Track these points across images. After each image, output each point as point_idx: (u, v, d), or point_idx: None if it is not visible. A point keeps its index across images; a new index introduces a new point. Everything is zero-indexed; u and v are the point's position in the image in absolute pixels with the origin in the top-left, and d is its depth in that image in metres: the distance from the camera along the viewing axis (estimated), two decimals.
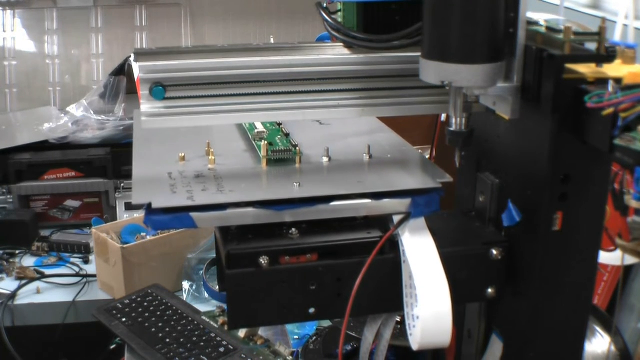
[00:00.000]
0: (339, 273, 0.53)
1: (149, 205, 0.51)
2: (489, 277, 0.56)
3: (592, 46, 0.50)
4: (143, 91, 0.53)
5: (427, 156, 0.96)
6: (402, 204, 0.54)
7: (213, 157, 0.59)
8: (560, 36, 0.50)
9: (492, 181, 0.58)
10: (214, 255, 1.04)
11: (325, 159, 0.60)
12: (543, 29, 0.52)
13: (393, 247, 0.54)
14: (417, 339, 0.51)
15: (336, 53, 0.57)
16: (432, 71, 0.50)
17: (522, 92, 0.51)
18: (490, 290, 0.57)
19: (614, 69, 0.48)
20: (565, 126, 0.50)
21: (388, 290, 0.54)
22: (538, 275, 0.54)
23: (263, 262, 0.52)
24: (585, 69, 0.48)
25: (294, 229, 0.54)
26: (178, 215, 0.51)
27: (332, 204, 0.53)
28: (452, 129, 0.53)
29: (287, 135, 0.65)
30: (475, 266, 0.56)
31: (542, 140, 0.51)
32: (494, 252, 0.56)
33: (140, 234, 1.18)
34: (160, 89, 0.53)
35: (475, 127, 0.56)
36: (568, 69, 0.48)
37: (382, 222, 0.55)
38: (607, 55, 0.48)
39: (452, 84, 0.50)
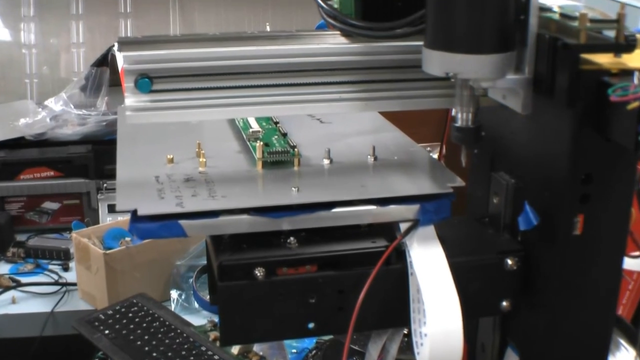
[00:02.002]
0: (341, 285, 0.53)
1: (135, 212, 0.51)
2: (504, 288, 0.56)
3: (610, 34, 0.50)
4: (128, 83, 0.53)
5: (436, 155, 0.96)
6: (410, 210, 0.54)
7: (204, 159, 0.59)
8: (576, 23, 0.49)
9: (507, 181, 0.58)
10: (205, 262, 1.05)
11: (326, 161, 0.60)
12: (557, 16, 0.52)
13: (400, 257, 0.54)
14: (424, 358, 0.51)
15: (337, 42, 0.57)
16: (436, 62, 0.50)
17: (534, 84, 0.50)
18: (504, 303, 0.57)
19: (635, 59, 0.47)
20: (587, 122, 0.50)
21: (394, 304, 0.54)
22: (556, 285, 0.54)
23: (258, 274, 0.52)
24: (603, 59, 0.48)
25: (292, 238, 0.53)
26: (166, 223, 0.51)
27: (334, 210, 0.53)
28: (457, 124, 0.53)
29: (284, 135, 0.65)
30: (489, 277, 0.56)
31: (561, 137, 0.51)
32: (509, 261, 0.56)
33: (125, 238, 1.18)
34: (146, 81, 0.53)
35: (488, 122, 0.56)
36: (585, 59, 0.48)
37: (388, 230, 0.55)
38: (626, 44, 0.48)
39: (457, 76, 0.50)
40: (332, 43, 0.57)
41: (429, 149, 1.02)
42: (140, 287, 1.11)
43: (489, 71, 0.49)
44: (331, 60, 0.56)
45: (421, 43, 0.52)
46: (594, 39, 0.49)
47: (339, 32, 0.58)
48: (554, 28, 0.51)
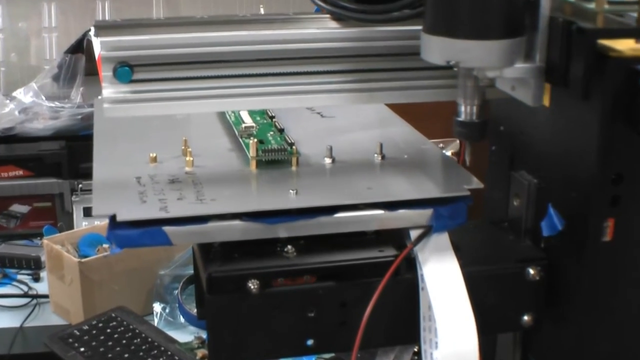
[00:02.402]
0: (343, 297, 0.53)
1: (113, 217, 0.51)
2: (525, 301, 0.57)
3: (632, 17, 0.50)
4: (105, 72, 0.53)
5: (450, 152, 0.96)
6: (421, 215, 0.54)
7: (191, 158, 0.59)
8: (592, 5, 0.49)
9: (529, 181, 0.58)
10: (192, 272, 1.05)
11: (327, 160, 0.60)
12: None
13: (410, 266, 0.54)
14: None
15: (339, 27, 0.57)
16: (436, 49, 0.50)
17: (547, 73, 0.50)
18: (526, 318, 0.57)
19: None
20: (618, 115, 0.49)
21: (403, 318, 0.54)
22: (584, 297, 0.54)
23: (252, 286, 0.52)
24: (623, 45, 0.47)
25: (289, 247, 0.54)
26: (148, 230, 0.51)
27: (336, 215, 0.53)
28: (460, 119, 0.53)
29: (281, 130, 0.64)
30: (508, 289, 0.56)
31: (589, 132, 0.51)
32: (531, 271, 0.56)
33: (102, 245, 1.17)
34: (126, 69, 0.53)
35: (507, 115, 0.56)
36: (603, 46, 0.48)
37: (397, 238, 0.55)
38: None
39: (460, 65, 0.50)
40: (334, 28, 0.57)
41: (441, 145, 1.02)
42: (120, 300, 1.11)
43: (496, 59, 0.49)
44: (333, 47, 0.56)
45: (420, 27, 0.52)
46: (613, 23, 0.49)
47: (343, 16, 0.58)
48: (568, 11, 0.51)
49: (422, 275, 0.53)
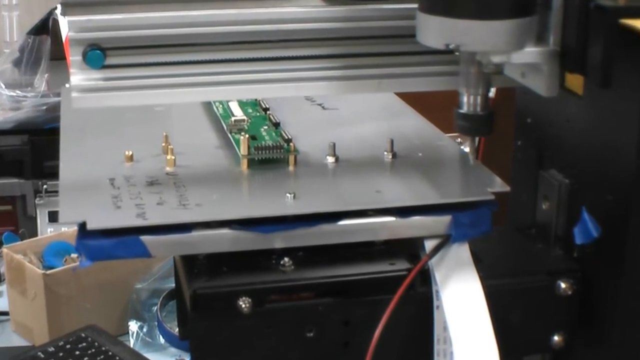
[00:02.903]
0: (347, 314, 0.53)
1: (83, 225, 0.51)
2: (555, 319, 0.57)
3: None
4: (74, 56, 0.53)
5: (469, 148, 0.95)
6: (439, 223, 0.54)
7: (172, 157, 0.59)
8: None
9: (560, 182, 0.58)
10: (173, 285, 1.01)
11: (330, 159, 0.60)
12: None
13: (423, 281, 0.54)
14: None
15: (324, 4, 0.57)
16: (434, 30, 0.50)
17: (562, 58, 0.50)
18: (556, 338, 0.57)
19: None
20: None
21: (414, 340, 0.54)
22: (622, 315, 0.55)
23: (243, 305, 0.52)
24: None
25: (286, 259, 0.53)
26: (124, 240, 0.50)
27: (340, 223, 0.53)
28: (462, 111, 0.53)
29: (276, 124, 0.64)
30: (536, 305, 0.57)
31: (628, 126, 0.51)
32: (562, 284, 0.56)
33: (70, 255, 1.17)
34: (97, 53, 0.53)
35: (534, 106, 0.55)
36: (628, 25, 0.47)
37: (410, 248, 0.55)
38: None
39: (461, 49, 0.50)
40: (320, 6, 0.57)
41: (459, 140, 1.01)
42: (90, 317, 1.10)
43: (502, 42, 0.49)
44: (335, 28, 0.56)
45: (416, 6, 0.52)
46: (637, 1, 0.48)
47: None
48: None
49: (437, 291, 0.53)
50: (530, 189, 0.62)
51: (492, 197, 0.54)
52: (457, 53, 0.51)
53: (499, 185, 0.56)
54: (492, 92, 0.77)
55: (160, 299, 1.13)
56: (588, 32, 0.48)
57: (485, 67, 0.52)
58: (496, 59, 0.50)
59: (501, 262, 0.58)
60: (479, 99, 0.53)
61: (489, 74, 0.53)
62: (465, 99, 0.53)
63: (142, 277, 1.15)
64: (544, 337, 0.57)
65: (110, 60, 0.54)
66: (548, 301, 0.56)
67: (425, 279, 0.54)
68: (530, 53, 0.50)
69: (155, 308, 1.13)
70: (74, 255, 1.17)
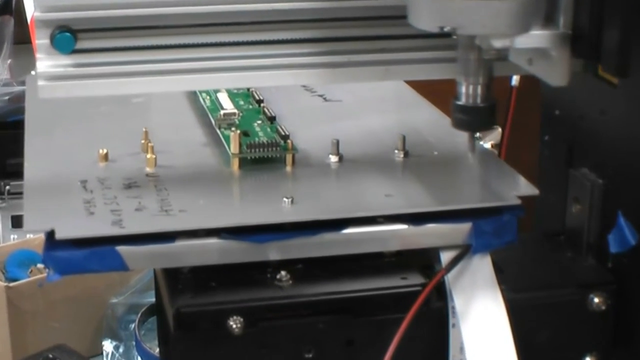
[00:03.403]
0: (350, 333, 0.53)
1: (51, 233, 0.50)
2: (588, 338, 0.57)
3: None
4: (41, 40, 0.53)
5: (490, 144, 0.95)
6: (457, 231, 0.54)
7: (153, 155, 0.59)
8: None
9: (593, 182, 0.59)
10: (153, 299, 1.02)
11: (333, 158, 0.60)
12: None
13: (439, 296, 0.54)
14: None
15: None
16: (426, 10, 0.50)
17: (573, 43, 0.50)
18: (588, 359, 0.57)
19: None
20: None
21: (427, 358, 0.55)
22: None
23: (234, 325, 0.51)
24: None
25: (283, 273, 0.53)
26: (97, 251, 0.50)
27: (345, 232, 0.53)
28: (460, 102, 0.53)
29: (272, 119, 0.64)
30: (566, 322, 0.57)
31: None
32: (596, 299, 0.56)
33: (37, 265, 1.17)
34: (67, 36, 0.53)
35: (563, 95, 0.56)
36: None
37: (424, 260, 0.55)
38: None
39: (457, 32, 0.49)
40: None
41: (478, 135, 1.01)
42: (59, 336, 1.10)
43: (505, 24, 0.48)
44: (336, 7, 0.56)
45: None
46: None
47: None
48: None
49: (453, 307, 0.53)
50: (559, 190, 0.62)
51: (519, 201, 0.54)
52: (454, 37, 0.51)
53: (527, 187, 0.56)
54: (516, 80, 0.77)
55: (139, 315, 1.13)
56: (603, 12, 0.48)
57: (485, 52, 0.52)
58: (498, 44, 0.50)
59: (525, 273, 0.58)
60: (479, 89, 0.52)
61: (491, 60, 0.53)
62: (463, 89, 0.53)
63: (118, 290, 1.16)
64: (575, 358, 0.57)
65: (81, 44, 0.53)
66: (579, 318, 0.56)
67: (440, 294, 0.54)
68: (537, 36, 0.49)
69: (133, 325, 1.13)
70: (40, 266, 1.17)
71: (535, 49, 0.51)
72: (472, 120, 0.53)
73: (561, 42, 0.50)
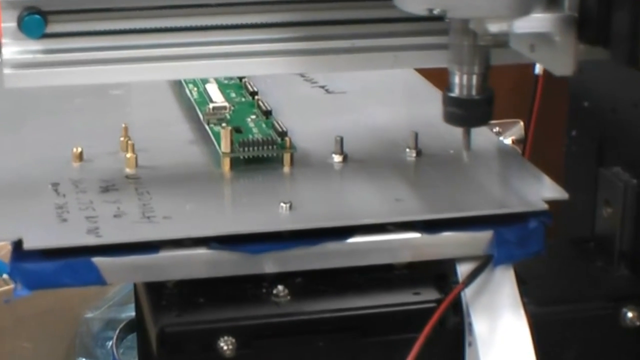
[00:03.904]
0: (356, 355, 0.54)
1: (18, 243, 0.50)
2: (620, 357, 0.57)
3: None
4: (7, 23, 0.53)
5: (511, 140, 0.95)
6: (477, 240, 0.54)
7: (133, 154, 0.59)
8: None
9: (626, 182, 0.59)
10: (132, 313, 1.03)
11: (336, 158, 0.60)
12: None
13: (454, 312, 0.54)
14: None
15: None
16: None
17: (580, 27, 0.49)
18: None
19: None
20: None
21: None
22: None
23: (225, 346, 0.51)
24: None
25: (280, 287, 0.53)
26: (71, 263, 0.50)
27: (350, 241, 0.53)
28: (453, 94, 0.53)
29: (267, 113, 0.64)
30: (597, 339, 0.57)
31: None
32: (629, 313, 0.56)
33: (2, 276, 1.16)
34: (36, 18, 0.53)
35: (592, 86, 0.56)
36: None
37: (439, 273, 0.55)
38: None
39: (448, 15, 0.49)
40: None
41: (497, 130, 1.01)
42: (29, 356, 1.10)
43: (502, 6, 0.48)
44: None
45: None
46: None
47: None
48: None
49: (470, 324, 0.53)
50: (588, 191, 0.62)
51: (545, 207, 0.54)
52: (447, 21, 0.51)
53: (554, 190, 0.56)
54: (540, 68, 0.77)
55: (117, 331, 1.13)
56: None
57: (481, 38, 0.52)
58: (494, 28, 0.49)
59: (550, 284, 0.59)
60: (474, 79, 0.52)
61: (487, 47, 0.53)
62: (456, 79, 0.53)
63: (94, 303, 1.15)
64: None
65: (52, 28, 0.53)
66: (611, 334, 0.57)
67: (456, 309, 0.54)
68: (539, 20, 0.49)
69: (110, 343, 1.13)
70: (6, 277, 1.16)
71: (537, 34, 0.50)
72: (467, 114, 0.53)
73: (566, 26, 0.49)
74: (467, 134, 0.55)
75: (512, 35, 0.52)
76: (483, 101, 0.53)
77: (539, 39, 0.51)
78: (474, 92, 0.53)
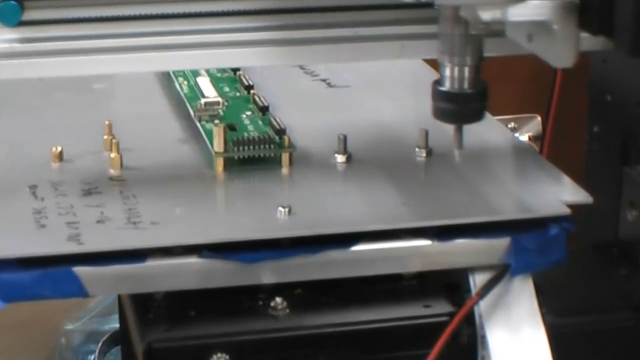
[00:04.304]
0: None
1: None
2: None
3: None
4: None
5: (527, 136, 0.95)
6: (493, 248, 0.54)
7: (118, 154, 0.59)
8: None
9: None
10: (116, 325, 1.02)
11: (339, 158, 0.61)
12: None
13: (467, 325, 0.54)
14: None
15: None
16: None
17: (580, 15, 0.50)
18: None
19: None
20: None
21: None
22: None
23: None
24: None
25: (279, 300, 0.53)
26: (50, 273, 0.50)
27: (354, 249, 0.53)
28: (444, 88, 0.53)
29: (264, 109, 0.65)
30: (620, 352, 0.57)
31: None
32: None
33: None
34: (12, 4, 0.53)
35: (618, 76, 0.57)
36: None
37: (451, 284, 0.55)
38: None
39: (435, 0, 0.50)
40: None
41: (512, 125, 1.01)
42: None
43: None
44: None
45: None
46: None
47: None
48: None
49: (483, 337, 0.53)
50: (611, 192, 0.62)
51: (567, 211, 0.54)
52: (436, 7, 0.51)
53: (576, 193, 0.56)
54: None
55: (99, 344, 1.13)
56: None
57: (473, 27, 0.52)
58: (486, 16, 0.49)
59: (571, 293, 0.59)
60: (466, 71, 0.52)
61: (480, 36, 0.53)
62: (447, 71, 0.53)
63: (74, 314, 1.16)
64: None
65: (29, 15, 0.54)
66: (636, 347, 0.57)
67: (468, 321, 0.54)
68: (536, 6, 0.49)
69: (92, 357, 1.13)
70: None
71: (535, 22, 0.50)
72: (458, 109, 0.53)
73: (566, 14, 0.49)
74: (459, 132, 0.55)
75: (507, 24, 0.52)
76: (476, 95, 0.53)
77: (537, 27, 0.51)
78: (466, 86, 0.53)
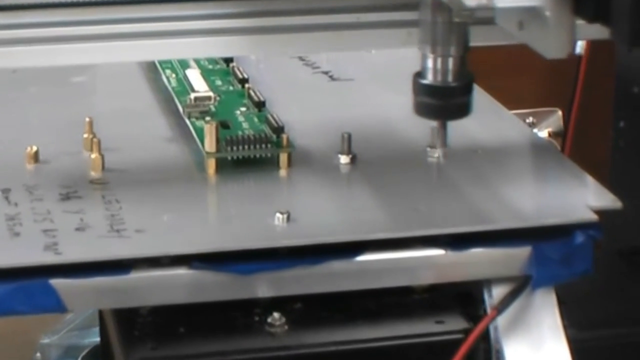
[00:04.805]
0: None
1: None
2: None
3: None
4: None
5: (547, 133, 0.95)
6: (512, 258, 0.54)
7: (99, 155, 0.59)
8: None
9: None
10: (96, 339, 1.04)
11: (343, 159, 0.61)
12: None
13: (483, 341, 0.54)
14: None
15: None
16: None
17: (576, 2, 0.49)
18: None
19: None
20: None
21: None
22: None
23: None
24: None
25: (276, 315, 0.53)
26: (25, 285, 0.50)
27: (359, 259, 0.53)
28: (426, 81, 0.53)
29: (260, 105, 0.65)
30: None
31: None
32: None
33: None
34: None
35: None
36: None
37: (466, 298, 0.55)
38: None
39: None
40: None
41: (530, 120, 1.01)
42: None
43: None
44: None
45: None
46: None
47: None
48: None
49: (498, 351, 0.54)
50: (637, 194, 0.62)
51: (594, 217, 0.54)
52: None
53: (603, 197, 0.56)
54: (581, 47, 0.77)
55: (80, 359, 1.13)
56: None
57: (457, 14, 0.52)
58: (471, 2, 0.49)
59: (595, 304, 0.60)
60: (449, 62, 0.53)
61: (465, 24, 0.53)
62: (430, 62, 0.53)
63: (51, 327, 1.16)
64: None
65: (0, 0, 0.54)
66: None
67: (483, 335, 0.54)
68: None
69: None
70: None
71: (525, 8, 0.50)
72: (442, 104, 0.53)
73: (558, 1, 0.49)
74: (443, 129, 0.55)
75: (497, 12, 0.52)
76: (461, 88, 0.53)
77: (528, 14, 0.51)
78: (450, 79, 0.53)
